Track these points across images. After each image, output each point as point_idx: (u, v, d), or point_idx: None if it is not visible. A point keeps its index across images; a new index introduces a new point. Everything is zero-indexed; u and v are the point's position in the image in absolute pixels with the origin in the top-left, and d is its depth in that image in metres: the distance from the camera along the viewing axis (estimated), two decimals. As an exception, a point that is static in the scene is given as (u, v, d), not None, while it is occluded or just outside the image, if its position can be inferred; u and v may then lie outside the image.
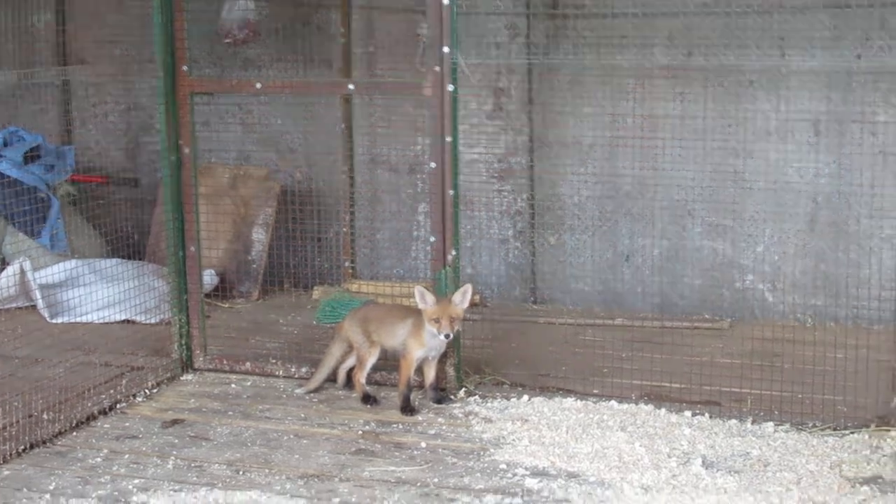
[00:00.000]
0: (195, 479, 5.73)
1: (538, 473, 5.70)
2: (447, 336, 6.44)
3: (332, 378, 6.98)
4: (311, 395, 6.90)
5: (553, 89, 8.90)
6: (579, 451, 5.96)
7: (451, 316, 6.44)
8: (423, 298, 6.48)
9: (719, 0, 7.98)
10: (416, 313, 6.63)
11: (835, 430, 6.19)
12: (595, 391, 6.67)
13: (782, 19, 8.05)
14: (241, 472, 5.80)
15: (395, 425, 6.42)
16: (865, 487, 5.44)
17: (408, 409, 6.56)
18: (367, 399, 6.71)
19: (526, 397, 6.74)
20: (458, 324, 6.52)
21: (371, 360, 6.76)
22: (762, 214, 8.40)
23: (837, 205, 8.25)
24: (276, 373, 7.27)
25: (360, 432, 6.33)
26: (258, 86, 7.37)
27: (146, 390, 7.01)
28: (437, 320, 6.44)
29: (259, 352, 7.68)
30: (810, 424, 6.25)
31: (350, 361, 6.90)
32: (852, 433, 6.13)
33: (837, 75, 8.16)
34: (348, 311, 7.26)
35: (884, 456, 5.79)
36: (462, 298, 6.51)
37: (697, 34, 8.30)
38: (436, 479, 5.67)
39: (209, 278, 8.70)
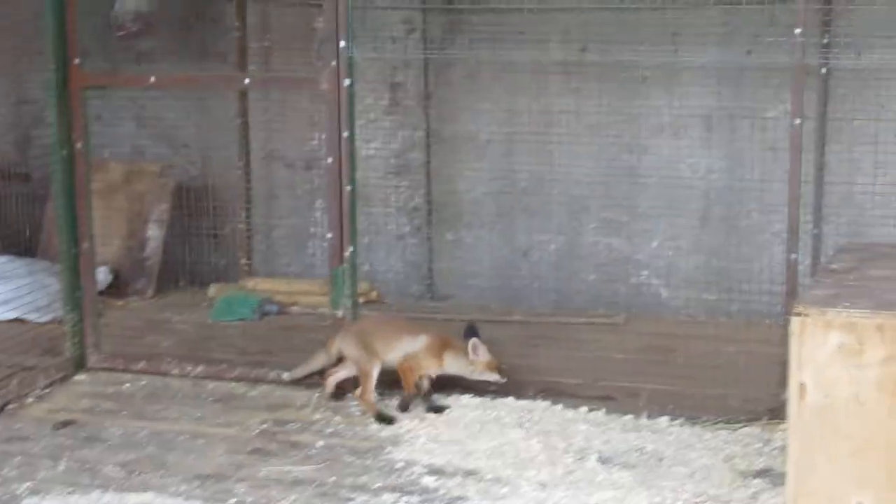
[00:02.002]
0: (88, 481, 5.65)
1: (435, 471, 5.70)
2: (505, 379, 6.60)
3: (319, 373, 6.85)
4: (208, 395, 6.86)
5: (449, 84, 8.91)
6: (476, 448, 5.97)
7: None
8: (477, 351, 6.52)
9: (614, -4, 8.06)
10: (425, 331, 6.69)
11: (727, 423, 6.26)
12: (492, 388, 6.69)
13: (675, 15, 8.13)
14: (135, 474, 5.73)
15: (291, 424, 6.38)
16: (757, 480, 5.53)
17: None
18: (383, 418, 6.40)
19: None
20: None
21: (376, 371, 6.54)
22: (656, 210, 8.48)
23: (729, 200, 8.36)
24: (172, 372, 7.17)
25: (257, 432, 6.29)
26: (152, 80, 7.32)
27: (38, 391, 6.89)
28: (496, 368, 6.56)
29: (153, 351, 7.59)
30: (703, 418, 6.31)
31: (342, 373, 6.70)
32: (744, 427, 6.22)
33: (729, 71, 8.26)
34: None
35: (774, 449, 5.88)
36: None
37: (592, 30, 8.36)
38: (333, 478, 5.65)
39: (102, 276, 8.56)
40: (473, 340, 6.52)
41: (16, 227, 8.89)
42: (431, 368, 6.57)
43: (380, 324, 6.92)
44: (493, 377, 6.55)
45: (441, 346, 6.59)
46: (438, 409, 6.53)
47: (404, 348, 6.58)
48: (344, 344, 6.63)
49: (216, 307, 8.48)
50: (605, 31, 8.20)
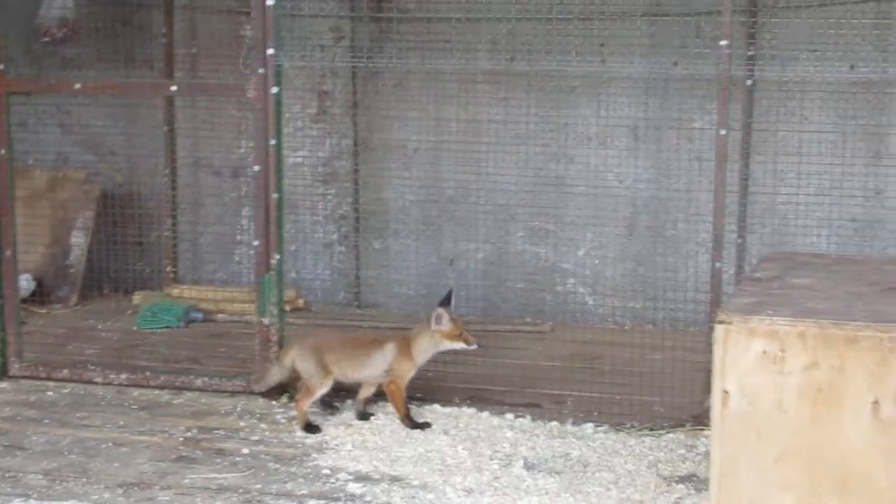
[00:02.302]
0: (9, 489, 5.57)
1: (361, 478, 5.69)
2: (480, 345, 6.52)
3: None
4: (132, 402, 6.80)
5: (377, 93, 8.91)
6: (402, 455, 5.97)
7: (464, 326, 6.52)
8: (441, 320, 6.42)
9: (541, 6, 8.07)
10: (388, 338, 6.59)
11: (652, 430, 6.32)
12: (418, 395, 6.69)
13: (602, 26, 8.18)
14: (57, 482, 5.67)
15: (216, 431, 6.35)
16: (681, 485, 5.58)
17: (417, 425, 6.37)
18: (311, 428, 6.37)
19: (349, 402, 6.73)
20: None
21: (322, 391, 6.45)
22: (583, 219, 8.52)
23: (655, 209, 8.42)
24: (95, 380, 7.11)
25: (181, 439, 6.25)
26: (77, 86, 7.24)
27: (-42, 399, 6.83)
28: (460, 335, 6.45)
29: (77, 358, 7.52)
30: (628, 425, 6.38)
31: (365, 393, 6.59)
32: (668, 433, 6.28)
33: (655, 82, 8.34)
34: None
35: (698, 455, 5.95)
36: (454, 303, 6.59)
37: (520, 39, 8.40)
38: (258, 486, 5.62)
39: (25, 283, 8.47)
40: (437, 310, 6.44)
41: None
42: (412, 371, 6.49)
43: (340, 341, 6.73)
44: (460, 345, 6.46)
45: (406, 344, 6.49)
46: (365, 416, 6.52)
47: (377, 364, 6.47)
48: (299, 357, 6.49)
49: (141, 315, 8.41)
50: (533, 41, 8.23)
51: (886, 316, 4.27)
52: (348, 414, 6.58)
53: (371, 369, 6.47)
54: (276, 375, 6.61)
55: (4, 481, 5.67)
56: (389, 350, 6.46)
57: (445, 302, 6.51)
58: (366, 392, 6.57)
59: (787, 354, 4.22)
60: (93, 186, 9.22)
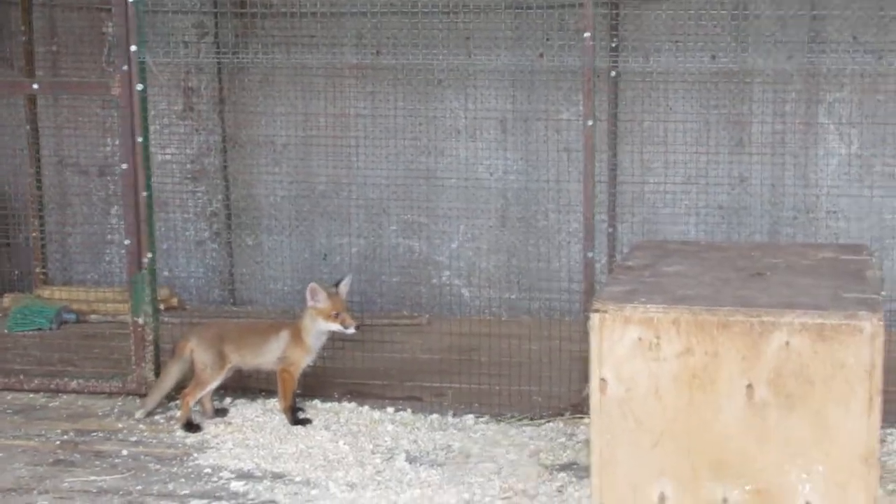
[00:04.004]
0: None
1: (244, 476, 5.70)
2: (358, 328, 6.37)
3: (170, 397, 6.61)
4: (6, 406, 6.69)
5: (244, 89, 8.88)
6: (284, 451, 5.98)
7: (347, 308, 6.35)
8: (316, 296, 6.31)
9: (406, 0, 8.11)
10: (284, 324, 6.54)
11: (532, 419, 6.40)
12: (298, 391, 6.69)
13: (467, 19, 8.23)
14: (-68, 491, 5.59)
15: (94, 434, 6.30)
16: (563, 474, 5.66)
17: (298, 421, 6.34)
18: (192, 426, 6.31)
19: (228, 399, 6.72)
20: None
21: (214, 383, 6.40)
22: (455, 211, 8.59)
23: (527, 201, 8.52)
24: (-37, 384, 7.01)
25: (58, 442, 6.18)
26: (-65, 86, 7.09)
27: None
28: (337, 315, 6.32)
29: (-53, 361, 7.40)
30: (508, 415, 6.45)
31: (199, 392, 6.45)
32: (548, 422, 6.37)
33: (521, 74, 8.42)
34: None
35: (578, 442, 6.04)
36: (347, 288, 6.44)
37: (385, 33, 8.42)
38: (139, 487, 5.59)
39: None
40: (311, 285, 6.38)
41: None
42: (305, 357, 6.45)
43: (238, 329, 6.74)
44: (336, 327, 6.37)
45: (297, 330, 6.46)
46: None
47: (273, 349, 6.45)
48: (198, 347, 6.43)
49: (11, 317, 8.27)
50: (398, 34, 8.26)
51: (755, 301, 4.39)
52: (229, 412, 6.56)
53: (268, 355, 6.46)
54: (172, 377, 6.53)
55: None
56: (283, 336, 6.46)
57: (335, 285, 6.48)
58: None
59: (662, 341, 4.32)
60: (-46, 188, 9.06)
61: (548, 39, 8.18)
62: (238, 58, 8.33)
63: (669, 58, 7.89)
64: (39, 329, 8.17)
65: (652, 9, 7.95)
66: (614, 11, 7.97)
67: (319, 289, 6.37)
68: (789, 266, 5.04)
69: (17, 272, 9.03)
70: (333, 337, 6.57)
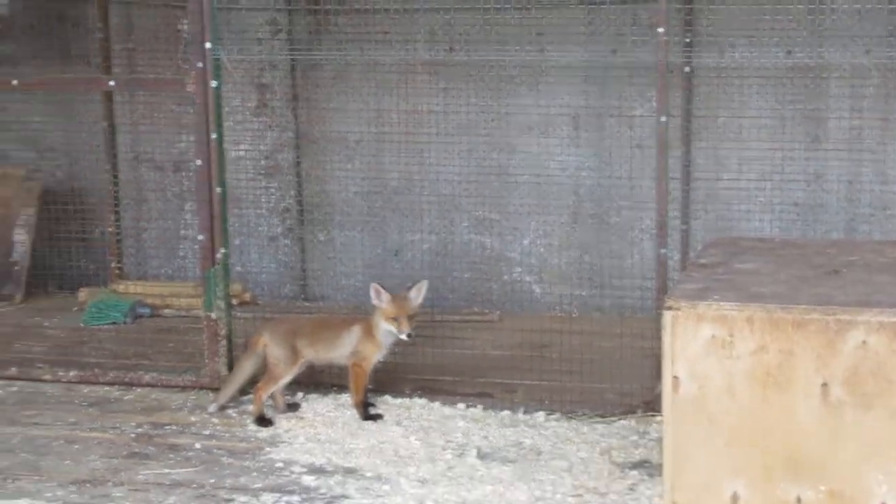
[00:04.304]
0: (-39, 490, 5.57)
1: (315, 470, 5.72)
2: (409, 336, 6.34)
3: (243, 391, 6.64)
4: (82, 399, 6.77)
5: (317, 85, 8.90)
6: (355, 446, 6.00)
7: (408, 313, 6.33)
8: (379, 296, 6.34)
9: (479, -4, 8.11)
10: (356, 319, 6.55)
11: (603, 417, 6.37)
12: (369, 386, 6.71)
13: (540, 15, 8.21)
14: (9, 480, 5.65)
15: (168, 427, 6.35)
16: (634, 472, 5.63)
17: (371, 416, 6.38)
18: (264, 421, 6.36)
19: (300, 394, 6.75)
20: (415, 321, 6.40)
21: (287, 378, 6.44)
22: (527, 208, 8.57)
23: (599, 197, 8.48)
24: (44, 377, 7.08)
25: (133, 435, 6.24)
26: (14, 83, 7.18)
27: None
28: (395, 319, 6.32)
29: (25, 356, 7.48)
30: (580, 412, 6.43)
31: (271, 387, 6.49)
32: (620, 420, 6.34)
33: (594, 70, 8.38)
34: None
35: (651, 440, 6.00)
36: (418, 294, 6.40)
37: (458, 30, 8.42)
38: (212, 480, 5.63)
39: (-32, 282, 8.43)
40: (373, 285, 6.38)
41: None
42: (376, 352, 6.46)
43: (311, 323, 6.76)
44: (392, 329, 6.35)
45: (368, 325, 6.48)
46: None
47: (346, 343, 6.48)
48: (271, 342, 6.47)
49: (88, 311, 8.37)
50: (471, 31, 8.26)
51: (831, 299, 4.34)
52: (301, 406, 6.59)
53: (340, 349, 6.48)
54: (245, 372, 6.56)
55: (-44, 482, 5.65)
56: (355, 331, 6.47)
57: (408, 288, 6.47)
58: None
59: (736, 339, 4.28)
60: (34, 184, 9.16)
61: (621, 35, 8.13)
62: (311, 54, 8.37)
63: (744, 53, 7.82)
64: (114, 323, 8.26)
65: (727, 3, 7.88)
66: (688, 6, 7.93)
67: (382, 289, 6.36)
68: (866, 264, 4.98)
69: (93, 267, 9.12)
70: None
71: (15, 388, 6.99)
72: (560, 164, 8.51)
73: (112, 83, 7.58)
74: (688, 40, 7.90)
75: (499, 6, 7.91)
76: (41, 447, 6.08)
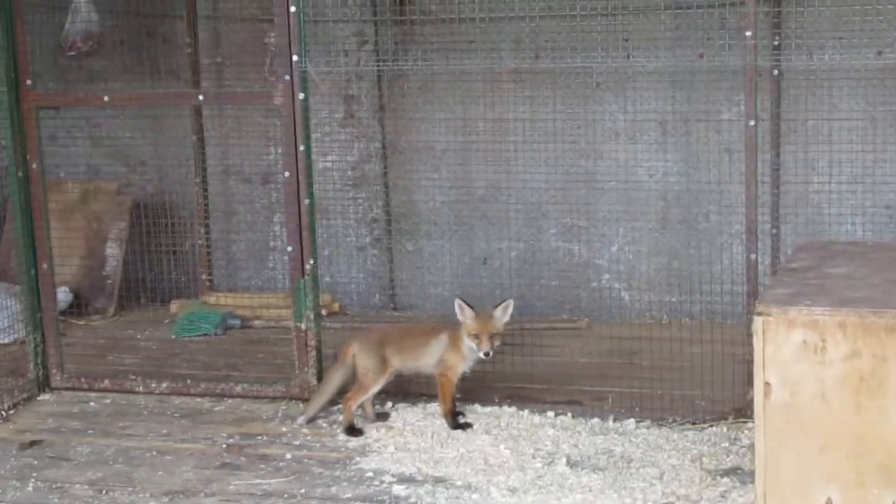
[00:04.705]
0: (56, 500, 5.65)
1: (405, 480, 5.73)
2: (487, 354, 6.32)
3: (333, 402, 6.69)
4: (174, 411, 6.84)
5: (403, 95, 8.93)
6: (445, 455, 6.00)
7: (491, 332, 6.32)
8: (462, 311, 6.36)
9: (564, 3, 8.07)
10: (444, 328, 6.58)
11: (694, 424, 6.33)
12: (458, 395, 6.71)
13: (626, 21, 8.17)
14: (103, 492, 5.73)
15: (259, 437, 6.40)
16: (726, 479, 5.58)
17: (458, 425, 6.40)
18: (354, 430, 6.39)
19: (390, 404, 6.76)
20: (499, 339, 6.39)
21: (376, 388, 6.48)
22: (615, 214, 8.53)
23: (687, 202, 8.42)
24: (136, 389, 7.18)
25: (224, 446, 6.30)
26: (105, 98, 7.30)
27: (2, 412, 6.88)
28: (476, 336, 6.33)
29: (118, 368, 7.57)
30: (670, 420, 6.39)
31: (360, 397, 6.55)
32: (711, 426, 6.29)
33: (681, 75, 8.32)
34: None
35: (742, 447, 5.95)
36: (503, 313, 6.38)
37: (544, 37, 8.40)
38: (302, 490, 5.67)
39: (63, 295, 8.53)
40: (457, 301, 6.38)
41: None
42: (462, 362, 6.46)
43: (398, 332, 6.77)
44: (472, 345, 6.34)
45: (456, 335, 6.47)
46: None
47: (433, 352, 6.49)
48: (361, 352, 6.49)
49: (179, 323, 8.46)
50: (557, 38, 8.23)
51: (925, 303, 4.28)
52: (390, 415, 6.61)
53: (427, 358, 6.49)
54: (334, 382, 6.59)
55: (51, 492, 5.73)
56: (442, 340, 6.48)
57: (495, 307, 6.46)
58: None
59: (828, 344, 4.23)
60: (125, 198, 9.28)
61: (708, 39, 8.04)
62: (398, 65, 8.39)
63: (834, 55, 7.71)
64: (205, 335, 8.34)
65: (815, 5, 7.77)
66: (776, 9, 7.84)
67: (466, 305, 6.37)
68: (961, 266, 4.90)
69: (183, 279, 9.22)
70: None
71: (108, 401, 7.09)
72: (647, 169, 8.47)
73: (201, 97, 7.64)
74: (776, 43, 7.80)
75: (584, 13, 7.87)
76: (134, 458, 6.15)
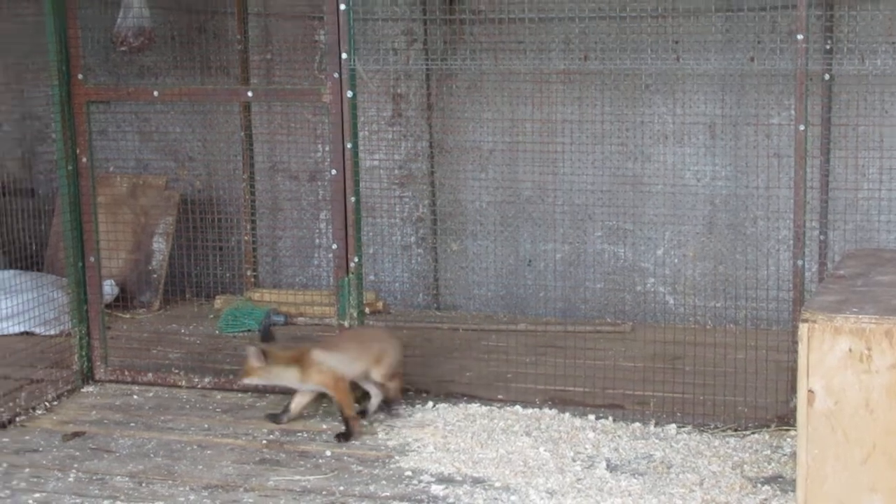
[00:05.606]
0: (97, 491, 5.67)
1: (444, 480, 5.72)
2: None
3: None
4: (216, 406, 6.87)
5: (452, 95, 8.92)
6: (484, 456, 5.98)
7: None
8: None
9: (613, 4, 8.04)
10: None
11: (736, 430, 6.29)
12: (499, 396, 6.70)
13: (676, 23, 8.13)
14: (143, 484, 5.75)
15: (299, 434, 6.41)
16: (767, 487, 5.54)
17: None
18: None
19: (430, 403, 6.76)
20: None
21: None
22: (661, 218, 8.48)
23: (734, 207, 8.36)
24: (179, 383, 7.21)
25: (265, 442, 6.31)
26: (155, 94, 7.31)
27: (46, 403, 6.92)
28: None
29: (161, 362, 7.61)
30: (712, 426, 6.35)
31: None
32: (753, 433, 6.24)
33: (731, 78, 8.26)
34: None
35: (784, 455, 5.90)
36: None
37: (593, 38, 8.36)
38: (341, 488, 5.67)
39: (109, 289, 8.58)
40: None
41: (22, 242, 8.87)
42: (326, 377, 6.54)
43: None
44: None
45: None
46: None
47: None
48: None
49: (223, 319, 8.48)
50: (606, 39, 8.20)
51: (974, 312, 4.22)
52: (430, 415, 6.61)
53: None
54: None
55: (92, 484, 5.76)
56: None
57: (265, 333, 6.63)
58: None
59: (874, 352, 4.19)
60: (173, 192, 9.32)
61: (759, 42, 8.01)
62: (446, 64, 8.38)
63: (886, 59, 7.65)
64: (249, 331, 8.34)
65: (868, 9, 7.72)
66: (829, 13, 7.77)
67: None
68: None
69: (228, 275, 9.25)
70: (537, 342, 6.52)
71: (151, 394, 7.13)
72: (695, 173, 8.42)
73: (250, 93, 7.66)
74: (828, 47, 7.75)
75: (634, 14, 7.84)
76: (175, 452, 6.18)
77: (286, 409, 6.58)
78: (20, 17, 9.34)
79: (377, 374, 6.53)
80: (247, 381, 6.49)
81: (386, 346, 6.60)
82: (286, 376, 6.42)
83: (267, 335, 6.58)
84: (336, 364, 6.39)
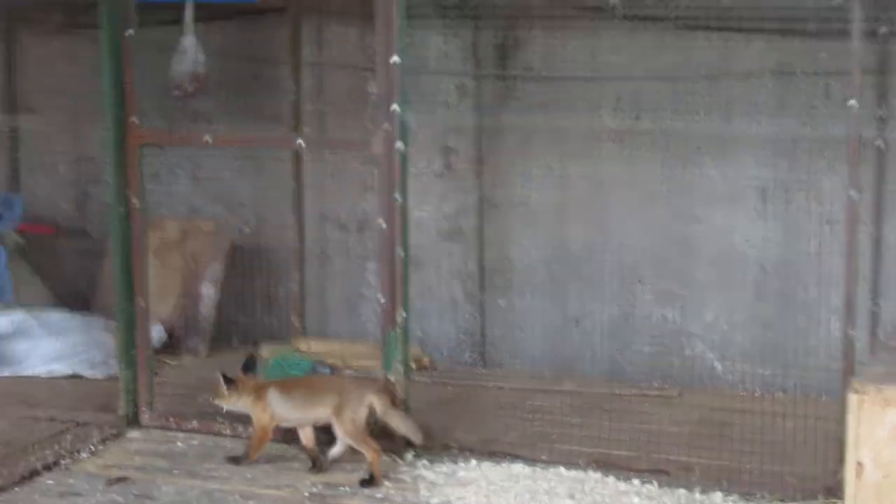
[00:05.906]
0: (139, 539, 5.69)
1: (485, 538, 5.70)
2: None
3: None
4: (259, 456, 6.87)
5: (502, 150, 8.93)
6: (527, 517, 5.96)
7: None
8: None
9: (666, 64, 8.05)
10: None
11: (782, 500, 6.22)
12: (543, 457, 6.67)
13: (729, 85, 8.13)
14: (186, 534, 5.76)
15: (341, 488, 6.39)
16: (813, 559, 5.49)
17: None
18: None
19: (474, 462, 6.72)
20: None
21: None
22: (711, 281, 8.43)
23: (785, 273, 8.29)
24: (223, 432, 7.21)
25: (307, 494, 6.31)
26: (208, 139, 7.37)
27: (91, 446, 6.95)
28: None
29: (206, 410, 7.53)
30: (758, 495, 6.27)
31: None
32: (800, 504, 6.18)
33: (783, 142, 8.22)
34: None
35: (831, 527, 5.85)
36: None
37: (645, 99, 8.36)
38: (383, 543, 5.66)
39: (157, 333, 8.60)
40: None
41: (73, 283, 8.93)
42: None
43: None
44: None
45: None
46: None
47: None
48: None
49: (269, 368, 8.47)
50: (658, 99, 8.20)
51: None
52: (473, 474, 6.57)
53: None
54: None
55: (135, 531, 5.78)
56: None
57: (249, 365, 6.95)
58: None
59: (925, 427, 4.16)
60: (223, 238, 9.35)
61: (812, 107, 7.99)
62: (498, 119, 8.40)
63: (941, 127, 7.62)
64: (295, 382, 8.34)
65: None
66: (883, 79, 7.75)
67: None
68: None
69: (276, 323, 9.26)
70: (582, 403, 6.48)
71: (196, 442, 7.14)
72: (745, 237, 8.37)
73: (301, 142, 7.71)
74: (881, 114, 7.72)
75: (687, 76, 7.85)
76: (217, 501, 6.20)
77: (322, 453, 6.68)
78: (79, 59, 9.45)
79: (337, 428, 6.61)
80: (216, 402, 6.80)
81: (349, 399, 6.61)
82: (240, 404, 6.77)
83: (248, 365, 6.93)
84: (280, 409, 6.68)
